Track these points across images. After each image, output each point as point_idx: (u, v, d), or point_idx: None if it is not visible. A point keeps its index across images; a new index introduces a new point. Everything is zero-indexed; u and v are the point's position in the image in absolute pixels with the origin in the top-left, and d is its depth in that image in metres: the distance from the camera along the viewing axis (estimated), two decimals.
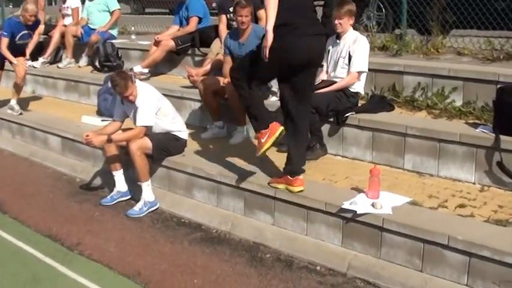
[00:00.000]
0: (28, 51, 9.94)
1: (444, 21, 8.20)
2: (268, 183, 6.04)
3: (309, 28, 5.53)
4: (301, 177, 5.81)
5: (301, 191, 5.77)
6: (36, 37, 10.19)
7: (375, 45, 8.41)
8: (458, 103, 6.91)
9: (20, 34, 9.78)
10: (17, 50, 9.78)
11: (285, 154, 6.00)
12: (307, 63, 5.57)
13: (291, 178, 5.79)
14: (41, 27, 10.76)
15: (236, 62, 6.72)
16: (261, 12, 8.48)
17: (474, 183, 5.99)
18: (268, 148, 5.68)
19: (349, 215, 5.38)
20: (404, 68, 7.34)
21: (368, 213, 5.28)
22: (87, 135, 6.76)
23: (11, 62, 9.81)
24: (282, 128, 5.65)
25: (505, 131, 5.80)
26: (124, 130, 7.14)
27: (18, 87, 9.98)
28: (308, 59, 5.55)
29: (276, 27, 5.21)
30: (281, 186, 5.91)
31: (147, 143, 6.80)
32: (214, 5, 13.10)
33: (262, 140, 5.65)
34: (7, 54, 9.68)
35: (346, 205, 5.39)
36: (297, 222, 5.83)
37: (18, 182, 8.17)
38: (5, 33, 9.65)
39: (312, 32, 5.54)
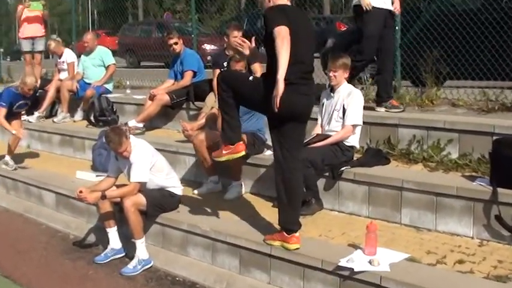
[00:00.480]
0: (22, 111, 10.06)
1: (438, 73, 8.21)
2: (264, 240, 5.94)
3: (304, 87, 5.57)
4: (297, 234, 5.72)
5: (298, 248, 5.67)
6: None
7: (369, 97, 8.39)
8: (454, 155, 6.86)
9: (17, 104, 9.83)
10: (12, 114, 9.84)
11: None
12: (293, 117, 5.57)
13: (287, 235, 5.70)
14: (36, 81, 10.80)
15: (231, 74, 6.69)
16: (255, 66, 8.49)
17: (473, 238, 5.90)
18: (222, 160, 5.99)
19: (346, 273, 5.28)
20: (399, 121, 7.31)
21: (365, 271, 5.18)
22: (81, 192, 6.71)
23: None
24: (244, 152, 5.93)
25: (502, 184, 5.73)
26: (118, 186, 7.06)
27: (13, 144, 9.94)
28: (296, 114, 5.57)
29: (273, 80, 5.27)
30: (277, 243, 5.81)
31: (142, 199, 6.73)
32: (209, 58, 13.14)
33: (223, 152, 5.88)
34: (5, 124, 9.67)
35: (343, 262, 5.29)
36: (293, 280, 5.72)
37: (12, 239, 8.08)
38: (3, 104, 9.65)
39: (305, 92, 5.58)
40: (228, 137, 5.85)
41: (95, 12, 46.57)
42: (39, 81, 11.90)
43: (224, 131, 5.90)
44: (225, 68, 8.59)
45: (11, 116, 9.76)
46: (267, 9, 5.65)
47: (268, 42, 5.44)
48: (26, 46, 13.72)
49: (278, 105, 5.23)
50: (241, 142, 5.89)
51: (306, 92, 5.60)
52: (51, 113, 12.26)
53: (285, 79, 5.24)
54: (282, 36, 5.24)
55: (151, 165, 6.85)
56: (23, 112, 10.22)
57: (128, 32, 24.89)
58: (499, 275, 5.01)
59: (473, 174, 6.41)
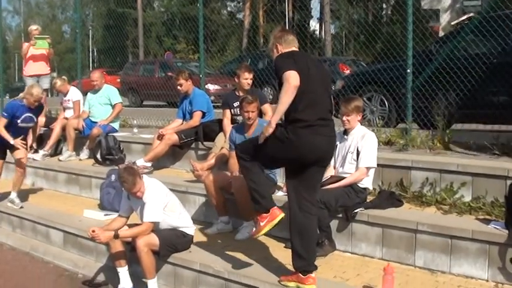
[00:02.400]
0: (31, 140, 9.94)
1: (449, 116, 8.24)
2: (279, 281, 5.91)
3: (324, 128, 5.59)
4: (313, 275, 5.70)
5: None
6: (38, 129, 10.23)
7: (379, 139, 8.38)
8: (468, 198, 6.89)
9: (22, 116, 9.66)
10: (18, 134, 9.69)
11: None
12: (317, 161, 5.58)
13: (302, 276, 5.68)
14: (42, 120, 10.76)
15: (247, 143, 6.49)
16: (266, 107, 8.58)
17: (487, 281, 5.90)
18: (265, 232, 5.77)
19: None
20: (412, 164, 7.34)
21: None
22: (93, 231, 6.66)
23: (9, 147, 9.71)
24: (282, 214, 5.70)
25: None
26: (130, 226, 7.04)
27: (18, 179, 9.89)
28: (319, 157, 5.58)
29: (292, 122, 5.37)
30: (292, 284, 5.79)
31: (155, 239, 6.70)
32: (212, 98, 13.17)
33: (261, 224, 5.70)
34: (4, 133, 9.51)
35: None
36: None
37: (19, 278, 8.03)
38: (5, 114, 9.55)
39: (325, 133, 5.62)
40: (262, 206, 5.75)
41: (95, 51, 46.76)
42: (44, 119, 11.89)
43: (255, 200, 5.79)
44: (236, 108, 8.64)
45: (16, 135, 9.62)
46: (276, 57, 5.71)
47: (280, 89, 5.48)
48: (30, 83, 13.72)
49: (261, 141, 5.44)
50: (275, 206, 5.79)
51: (327, 133, 5.64)
52: (56, 151, 12.23)
53: (303, 120, 5.29)
54: (290, 81, 5.28)
55: (164, 205, 6.84)
56: (28, 137, 10.09)
57: (130, 71, 24.99)
58: None
59: (487, 217, 6.43)
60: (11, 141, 9.50)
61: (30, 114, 9.78)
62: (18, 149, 9.63)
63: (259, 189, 5.76)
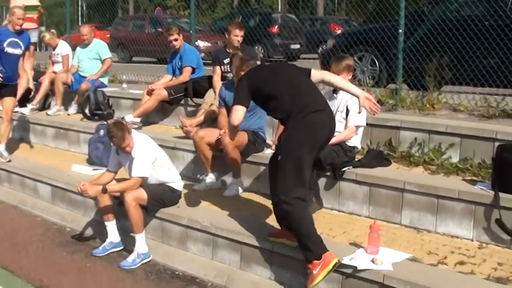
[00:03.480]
0: (19, 94, 9.89)
1: (440, 78, 8.25)
2: (266, 237, 5.97)
3: (320, 113, 5.60)
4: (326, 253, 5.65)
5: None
6: (25, 83, 10.18)
7: None
8: (455, 159, 6.94)
9: (8, 41, 9.49)
10: (8, 62, 9.54)
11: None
12: (328, 137, 5.68)
13: (289, 233, 5.70)
14: (30, 77, 10.63)
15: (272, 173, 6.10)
16: None
17: (472, 240, 5.97)
18: (320, 281, 5.21)
19: (349, 271, 5.31)
20: (401, 124, 7.37)
21: (368, 269, 5.22)
22: (83, 185, 6.68)
23: None
24: (336, 259, 5.18)
25: (504, 189, 5.80)
26: (118, 180, 7.06)
27: (5, 129, 9.83)
28: (327, 131, 5.63)
29: (288, 120, 5.53)
30: (279, 240, 5.83)
31: (143, 194, 6.73)
32: (202, 54, 13.13)
33: (314, 272, 5.18)
34: None
35: (346, 260, 5.32)
36: (295, 276, 5.73)
37: (7, 231, 8.03)
38: None
39: (322, 116, 5.61)
40: (314, 254, 5.27)
41: (84, 6, 46.25)
42: (32, 73, 11.82)
43: (307, 248, 5.32)
44: (226, 65, 8.62)
45: (7, 69, 9.53)
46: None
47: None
48: None
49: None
50: (328, 251, 5.26)
51: (323, 116, 5.62)
52: (44, 106, 12.20)
53: (298, 112, 5.46)
54: (233, 119, 5.72)
55: (153, 160, 6.85)
56: (18, 97, 10.03)
57: (120, 27, 24.81)
58: (500, 276, 5.09)
59: (474, 178, 6.48)
60: None
61: (16, 40, 9.60)
62: (5, 96, 9.59)
63: (311, 236, 5.32)
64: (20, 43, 9.70)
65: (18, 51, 9.72)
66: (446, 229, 6.14)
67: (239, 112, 5.67)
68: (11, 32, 9.56)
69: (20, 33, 9.70)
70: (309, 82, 5.79)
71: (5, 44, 9.48)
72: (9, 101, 9.70)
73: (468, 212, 5.98)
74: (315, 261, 5.20)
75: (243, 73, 6.07)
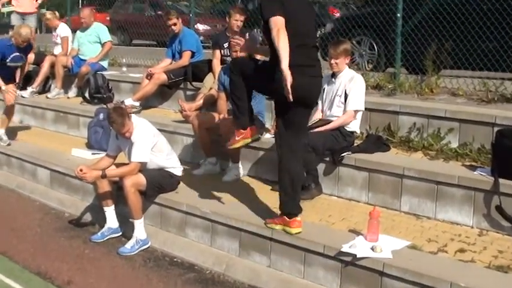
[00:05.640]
0: (18, 78, 9.86)
1: (439, 62, 8.21)
2: (265, 224, 5.95)
3: (310, 69, 5.56)
4: (299, 218, 5.72)
5: (299, 232, 5.67)
6: (27, 66, 10.13)
7: (368, 84, 8.32)
8: (454, 144, 6.91)
9: (11, 56, 9.55)
10: (7, 73, 9.57)
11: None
12: (299, 100, 5.50)
13: (288, 219, 5.70)
14: (31, 56, 10.66)
15: (242, 59, 6.47)
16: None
17: (472, 227, 5.94)
18: (238, 147, 6.12)
19: (348, 259, 5.30)
20: (400, 108, 7.33)
21: (368, 257, 5.20)
22: (81, 170, 6.66)
23: None
24: (257, 135, 6.17)
25: (503, 175, 5.77)
26: (117, 165, 7.02)
27: (7, 117, 9.85)
28: (301, 96, 5.47)
29: (275, 64, 5.27)
30: (278, 227, 5.82)
31: (142, 179, 6.70)
32: (201, 38, 13.07)
33: (237, 138, 5.91)
34: None
35: (345, 248, 5.31)
36: (293, 264, 5.73)
37: (5, 215, 8.02)
38: None
39: (311, 74, 5.58)
40: (240, 122, 5.89)
41: None
42: (32, 56, 11.76)
43: (236, 116, 5.94)
44: (226, 49, 8.58)
45: (6, 74, 9.51)
46: None
47: (265, 31, 5.48)
48: (15, 21, 13.63)
49: (291, 93, 5.17)
50: (254, 126, 5.92)
51: (313, 73, 5.61)
52: (44, 89, 12.15)
53: (290, 63, 5.21)
54: (278, 27, 5.25)
55: (152, 145, 6.82)
56: (18, 76, 10.01)
57: (120, 9, 24.68)
58: (500, 265, 5.05)
59: (473, 164, 6.45)
60: (3, 86, 9.41)
61: (19, 54, 9.67)
62: (6, 84, 9.55)
63: (240, 105, 5.86)
64: (23, 56, 9.78)
65: (19, 64, 9.84)
66: (446, 215, 6.11)
67: (279, 21, 5.29)
68: (15, 47, 9.57)
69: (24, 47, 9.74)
70: None
71: (8, 59, 9.55)
72: (9, 97, 9.64)
73: (468, 198, 5.96)
74: (242, 130, 5.89)
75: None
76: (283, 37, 5.21)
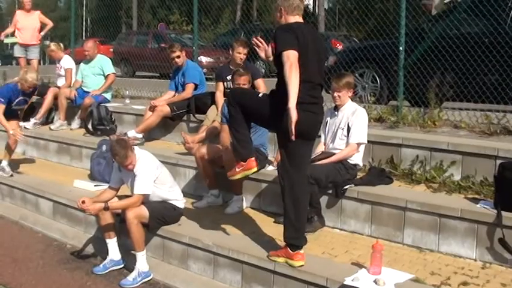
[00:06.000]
0: (21, 114, 9.95)
1: (441, 94, 8.25)
2: (268, 256, 5.93)
3: (313, 106, 5.60)
4: (302, 251, 5.71)
5: (302, 265, 5.66)
6: (29, 101, 10.25)
7: (371, 116, 8.40)
8: (457, 177, 6.91)
9: (17, 100, 9.67)
10: (11, 112, 9.66)
11: (282, 226, 5.88)
12: (300, 134, 5.54)
13: (291, 252, 5.69)
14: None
15: (241, 90, 6.79)
16: (258, 82, 8.57)
17: (475, 260, 5.92)
18: (238, 178, 6.08)
19: None
20: (402, 141, 7.35)
21: None
22: (83, 202, 6.66)
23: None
24: (256, 168, 5.97)
25: (506, 208, 5.76)
26: (120, 197, 7.03)
27: (10, 149, 9.88)
28: (302, 131, 5.50)
29: (284, 96, 5.25)
30: (281, 259, 5.80)
31: (144, 212, 6.70)
32: (205, 70, 13.12)
33: (237, 170, 5.91)
34: (3, 121, 9.48)
35: (348, 281, 5.29)
36: None
37: (7, 247, 8.00)
38: (2, 100, 9.45)
39: (313, 110, 5.62)
40: (240, 154, 5.88)
41: (88, 20, 46.37)
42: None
43: (235, 148, 5.94)
44: (229, 81, 8.62)
45: (9, 114, 9.58)
46: (278, 27, 5.65)
47: (277, 63, 5.49)
48: (18, 52, 13.72)
49: (294, 133, 5.23)
50: (253, 158, 5.91)
51: (314, 110, 5.63)
52: (47, 120, 12.21)
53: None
54: (291, 62, 5.28)
55: (155, 177, 6.83)
56: (20, 113, 10.10)
57: (124, 41, 24.88)
58: None
59: (476, 196, 6.45)
60: (10, 131, 9.43)
61: (24, 98, 9.80)
62: (10, 120, 9.64)
63: (240, 138, 5.86)
64: (27, 99, 9.95)
65: (23, 106, 10.01)
66: (449, 248, 6.09)
67: (292, 55, 5.31)
68: (20, 91, 9.64)
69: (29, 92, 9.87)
70: None
71: (13, 103, 9.65)
72: (13, 123, 9.71)
73: (471, 231, 5.94)
74: (242, 162, 5.87)
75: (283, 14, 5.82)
76: (295, 73, 5.24)
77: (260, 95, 6.04)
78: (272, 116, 5.53)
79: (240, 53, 8.69)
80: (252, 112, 5.79)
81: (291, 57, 5.28)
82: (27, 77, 9.46)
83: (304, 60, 5.37)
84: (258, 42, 6.05)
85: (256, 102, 5.81)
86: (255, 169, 5.94)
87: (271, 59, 5.84)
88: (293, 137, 5.24)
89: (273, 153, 7.88)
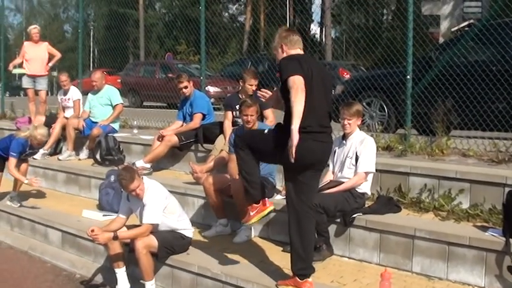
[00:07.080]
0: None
1: (449, 123, 8.27)
2: (276, 285, 5.93)
3: (322, 135, 5.64)
4: (310, 279, 5.73)
5: None
6: None
7: (378, 145, 8.39)
8: (465, 205, 6.91)
9: (26, 153, 9.84)
10: (19, 162, 9.82)
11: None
12: (310, 164, 5.60)
13: (300, 280, 5.71)
14: (42, 119, 10.83)
15: (247, 133, 6.96)
16: (267, 112, 8.61)
17: None
18: (254, 222, 6.04)
19: None
20: (410, 169, 7.37)
21: None
22: (93, 231, 6.68)
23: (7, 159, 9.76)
24: (272, 207, 5.97)
25: None
26: (129, 227, 7.05)
27: (19, 181, 9.91)
28: (312, 161, 5.60)
29: (288, 130, 5.28)
30: None
31: (153, 241, 6.72)
32: (212, 100, 13.19)
33: (251, 214, 5.86)
34: (16, 174, 9.62)
35: None
36: None
37: (17, 277, 8.01)
38: (14, 154, 9.57)
39: (322, 140, 5.66)
40: (252, 196, 5.87)
41: (96, 51, 46.70)
42: (44, 119, 11.88)
43: (247, 191, 5.91)
44: (237, 111, 8.67)
45: (18, 159, 9.73)
46: (282, 59, 5.72)
47: (283, 91, 5.53)
48: (26, 83, 13.81)
49: (294, 155, 5.24)
50: (266, 198, 5.97)
51: (323, 139, 5.66)
52: (55, 151, 12.27)
53: (302, 127, 5.26)
54: (297, 86, 5.31)
55: (164, 207, 6.86)
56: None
57: (131, 72, 25.01)
58: None
59: (485, 224, 6.45)
60: (25, 180, 9.59)
61: (33, 150, 10.02)
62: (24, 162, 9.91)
63: (251, 180, 5.85)
64: (36, 151, 10.37)
65: (31, 157, 10.32)
66: (458, 276, 6.09)
67: (298, 80, 5.34)
68: (30, 145, 9.76)
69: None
70: None
71: (23, 155, 9.80)
72: (23, 167, 9.94)
73: (480, 259, 5.94)
74: (254, 205, 5.86)
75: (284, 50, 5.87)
76: (300, 97, 5.27)
77: (266, 131, 6.08)
78: (278, 148, 5.55)
79: (251, 85, 8.76)
80: (262, 151, 5.82)
81: (296, 82, 5.32)
82: (37, 135, 9.60)
83: (309, 88, 5.40)
84: (263, 94, 6.26)
85: (263, 140, 5.85)
86: (271, 208, 5.95)
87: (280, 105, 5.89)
88: (292, 160, 5.24)
89: (281, 182, 7.90)
